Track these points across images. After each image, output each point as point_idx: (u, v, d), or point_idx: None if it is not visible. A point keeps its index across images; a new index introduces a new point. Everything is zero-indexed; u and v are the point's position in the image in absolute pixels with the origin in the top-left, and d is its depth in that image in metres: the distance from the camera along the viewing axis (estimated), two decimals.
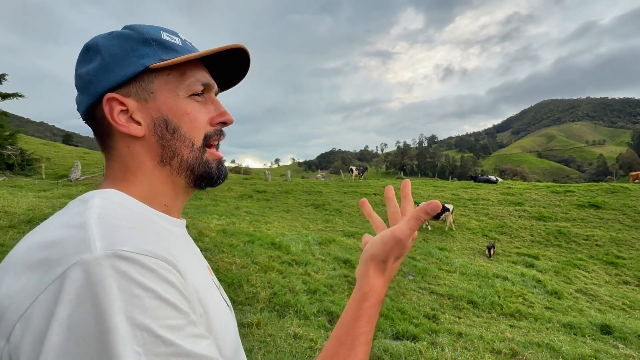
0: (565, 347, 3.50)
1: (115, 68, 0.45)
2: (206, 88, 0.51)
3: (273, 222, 8.83)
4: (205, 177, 0.51)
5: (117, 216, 0.39)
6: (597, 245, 9.51)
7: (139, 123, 0.47)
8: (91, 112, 0.48)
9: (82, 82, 0.47)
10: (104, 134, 0.48)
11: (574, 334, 4.18)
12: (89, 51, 0.47)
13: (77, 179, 14.58)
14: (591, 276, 7.46)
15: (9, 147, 15.00)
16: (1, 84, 15.36)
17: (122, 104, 0.46)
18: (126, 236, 0.36)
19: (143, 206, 0.46)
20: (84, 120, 0.50)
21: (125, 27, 0.49)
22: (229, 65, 0.55)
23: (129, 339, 0.30)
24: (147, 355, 0.31)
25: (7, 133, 15.34)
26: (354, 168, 20.12)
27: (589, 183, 16.30)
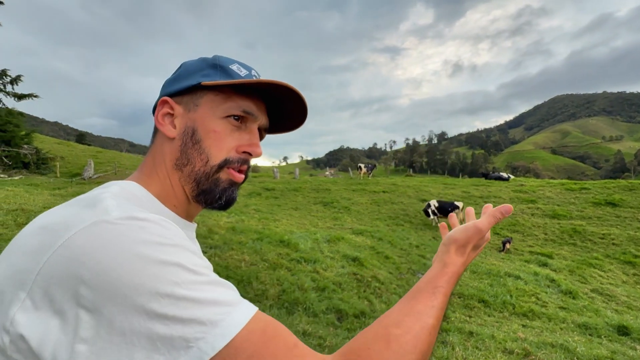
0: (581, 347, 3.41)
1: (182, 80, 0.53)
2: (249, 117, 0.53)
3: (282, 219, 8.86)
4: (208, 193, 0.52)
5: (130, 199, 0.44)
6: (613, 244, 9.24)
7: (175, 127, 0.52)
8: (154, 110, 0.55)
9: (162, 86, 0.56)
10: (154, 129, 0.55)
11: (590, 335, 4.07)
12: (179, 67, 0.56)
13: (90, 177, 14.91)
14: (607, 276, 7.25)
15: (25, 146, 15.42)
16: (17, 85, 15.78)
17: (171, 107, 0.52)
18: (138, 209, 0.40)
19: (157, 201, 0.50)
20: (153, 115, 0.56)
21: (214, 56, 0.56)
22: (286, 107, 0.57)
23: (166, 271, 0.35)
24: (183, 284, 0.35)
25: (23, 133, 15.77)
26: (362, 165, 20.03)
27: (606, 180, 15.83)
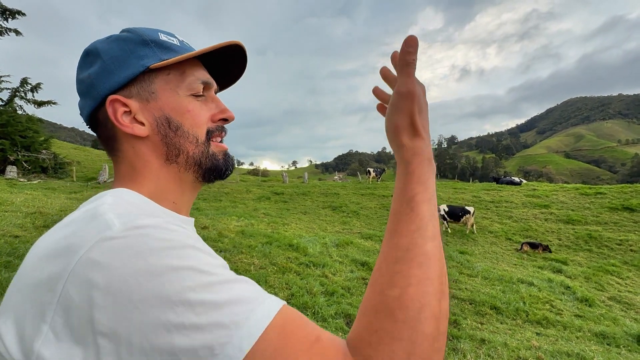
0: (598, 357, 3.31)
1: (116, 70, 0.46)
2: (206, 86, 0.51)
3: (291, 223, 8.90)
4: (214, 169, 0.51)
5: (128, 207, 0.40)
6: (631, 250, 8.95)
7: (142, 123, 0.47)
8: (94, 116, 0.48)
9: (84, 87, 0.47)
10: (109, 136, 0.48)
11: (607, 344, 3.95)
12: (89, 55, 0.48)
13: (105, 181, 15.28)
14: (626, 283, 7.02)
15: (44, 151, 15.92)
16: (37, 93, 16.36)
17: (124, 105, 0.46)
18: (140, 216, 0.37)
19: (154, 204, 0.46)
20: (87, 124, 0.50)
21: (123, 30, 0.50)
22: (227, 64, 0.55)
23: (175, 279, 0.32)
24: (198, 288, 0.32)
25: (42, 138, 16.29)
26: (371, 170, 19.96)
27: (622, 184, 15.38)
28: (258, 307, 0.33)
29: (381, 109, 0.54)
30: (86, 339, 0.31)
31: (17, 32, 15.05)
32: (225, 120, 0.53)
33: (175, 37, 0.51)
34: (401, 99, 0.44)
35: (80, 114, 0.50)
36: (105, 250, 0.32)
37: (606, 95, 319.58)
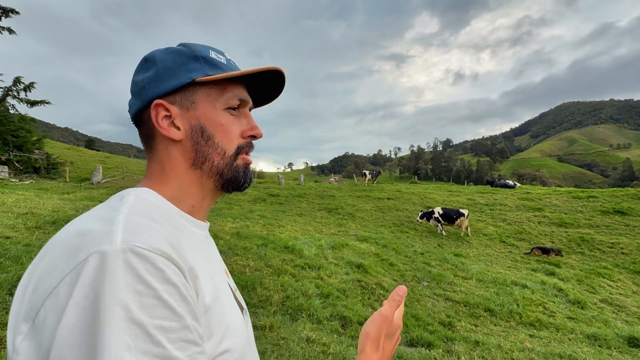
0: (590, 359, 3.36)
1: (166, 78, 0.51)
2: (242, 103, 0.56)
3: (286, 225, 8.88)
4: (233, 181, 0.55)
5: (144, 213, 0.43)
6: (623, 253, 9.08)
7: (178, 128, 0.52)
8: (140, 115, 0.53)
9: (137, 88, 0.53)
10: (148, 135, 0.53)
11: (599, 346, 4.00)
12: (147, 62, 0.53)
13: (99, 182, 15.11)
14: (617, 286, 7.12)
15: (36, 151, 15.73)
16: (30, 92, 16.16)
17: (166, 109, 0.51)
18: (146, 233, 0.39)
19: (171, 206, 0.50)
20: (133, 121, 0.55)
21: (180, 44, 0.55)
22: (265, 84, 0.60)
23: (123, 330, 0.33)
24: (136, 350, 0.33)
25: (35, 138, 16.09)
26: (367, 172, 20.03)
27: (614, 188, 15.62)
28: None
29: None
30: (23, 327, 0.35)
31: (10, 31, 14.89)
32: (254, 137, 0.57)
33: (224, 56, 0.56)
34: (379, 317, 0.55)
35: (128, 111, 0.55)
36: (93, 266, 0.35)
37: (598, 100, 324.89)
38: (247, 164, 0.57)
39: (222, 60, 0.55)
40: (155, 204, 0.47)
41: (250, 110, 0.59)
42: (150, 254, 0.37)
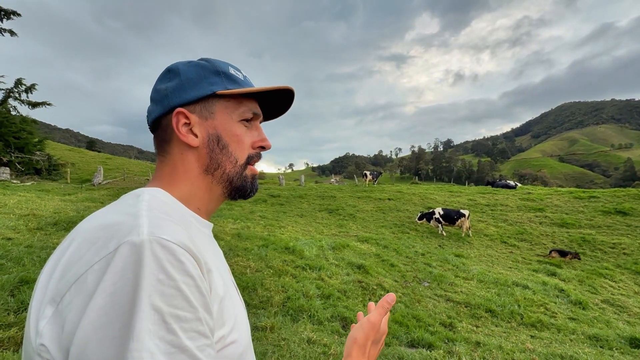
0: None
1: (189, 89, 0.55)
2: (255, 116, 0.60)
3: (287, 226, 8.88)
4: (241, 189, 0.59)
5: (162, 210, 0.47)
6: (624, 253, 9.05)
7: (196, 135, 0.55)
8: (158, 120, 0.57)
9: (159, 96, 0.56)
10: (164, 139, 0.57)
11: (601, 347, 3.98)
12: (170, 72, 0.57)
13: (100, 183, 15.14)
14: (619, 286, 7.09)
15: (38, 152, 15.78)
16: (31, 93, 16.22)
17: (186, 117, 0.55)
18: (169, 227, 0.42)
19: (182, 206, 0.53)
20: (149, 125, 0.59)
21: (201, 59, 0.59)
22: (275, 100, 0.64)
23: (147, 315, 0.35)
24: (154, 335, 0.35)
25: (36, 140, 16.14)
26: (367, 173, 20.02)
27: (615, 188, 15.58)
28: None
29: (353, 327, 0.66)
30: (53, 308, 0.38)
31: (12, 33, 14.95)
32: (263, 148, 0.61)
33: (241, 72, 0.61)
34: (367, 324, 0.58)
35: (147, 116, 0.59)
36: (123, 255, 0.37)
37: (599, 100, 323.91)
38: (254, 175, 0.61)
39: (240, 76, 0.59)
40: (168, 203, 0.50)
41: (260, 123, 0.63)
42: (174, 246, 0.39)
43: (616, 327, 4.71)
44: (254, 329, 3.11)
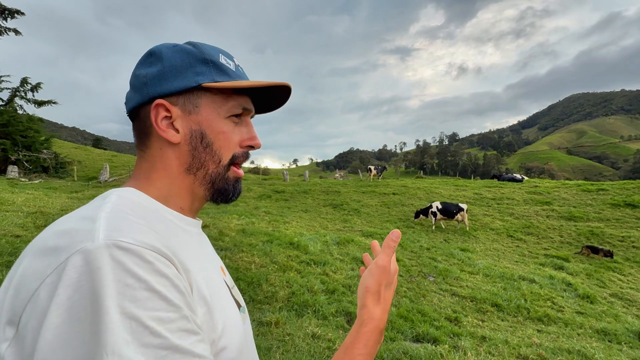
0: (599, 354, 3.30)
1: (171, 78, 0.49)
2: (245, 112, 0.54)
3: (291, 222, 8.90)
4: (222, 192, 0.54)
5: (127, 211, 0.42)
6: (634, 247, 8.92)
7: (177, 131, 0.50)
8: (137, 110, 0.51)
9: (138, 82, 0.50)
10: (143, 132, 0.51)
11: (609, 341, 3.94)
12: (152, 56, 0.51)
13: (106, 180, 15.31)
14: (627, 280, 7.00)
15: (45, 151, 15.96)
16: (37, 92, 16.37)
17: (167, 110, 0.49)
18: (129, 229, 0.38)
19: (158, 204, 0.48)
20: (128, 115, 0.53)
21: (188, 43, 0.53)
22: (270, 94, 0.58)
23: (118, 326, 0.32)
24: (135, 344, 0.32)
25: (43, 138, 16.32)
26: (372, 167, 19.93)
27: (625, 181, 15.32)
28: None
29: (362, 271, 0.61)
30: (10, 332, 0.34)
31: (16, 32, 15.05)
32: (252, 147, 0.56)
33: (233, 61, 0.54)
34: (377, 269, 0.54)
35: (125, 104, 0.53)
36: (76, 265, 0.33)
37: (608, 91, 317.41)
38: (237, 177, 0.55)
39: (231, 66, 0.53)
40: (138, 202, 0.46)
41: (251, 117, 0.57)
42: (137, 248, 0.36)
43: (625, 321, 4.65)
44: (259, 324, 3.13)
